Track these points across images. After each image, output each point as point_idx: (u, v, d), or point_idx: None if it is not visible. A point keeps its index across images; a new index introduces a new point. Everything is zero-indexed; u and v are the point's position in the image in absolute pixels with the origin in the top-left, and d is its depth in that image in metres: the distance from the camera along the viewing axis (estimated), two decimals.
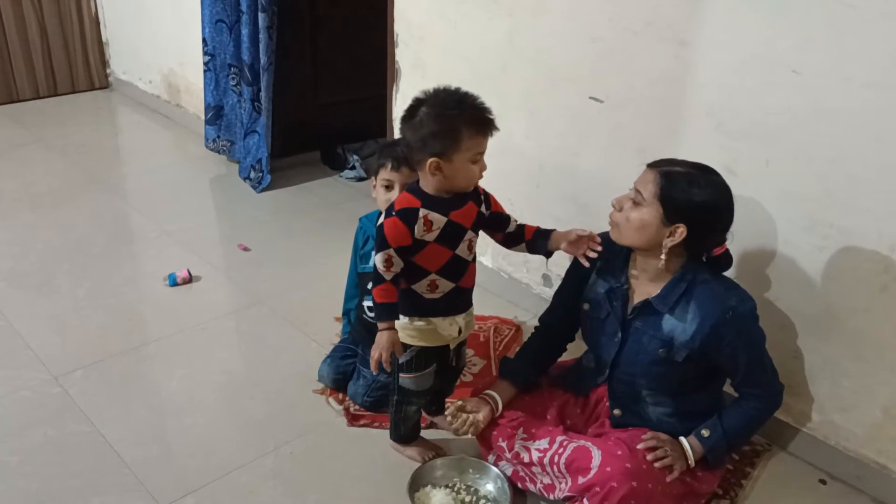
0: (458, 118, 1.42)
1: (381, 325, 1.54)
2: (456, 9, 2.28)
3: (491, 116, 1.45)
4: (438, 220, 1.49)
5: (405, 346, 1.60)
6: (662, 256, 1.49)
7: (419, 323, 1.59)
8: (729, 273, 1.82)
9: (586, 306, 1.66)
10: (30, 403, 1.91)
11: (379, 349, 1.53)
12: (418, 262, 1.53)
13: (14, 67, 3.98)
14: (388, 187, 1.74)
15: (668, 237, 1.47)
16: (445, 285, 1.56)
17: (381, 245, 1.49)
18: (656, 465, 1.50)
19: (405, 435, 1.77)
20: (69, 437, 1.80)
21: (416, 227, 1.48)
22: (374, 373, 1.67)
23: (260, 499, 1.66)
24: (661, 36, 1.82)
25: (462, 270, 1.57)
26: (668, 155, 1.85)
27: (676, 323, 1.51)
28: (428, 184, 1.49)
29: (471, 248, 1.58)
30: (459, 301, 1.62)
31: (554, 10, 2.03)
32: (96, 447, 1.78)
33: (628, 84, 1.93)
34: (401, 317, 1.57)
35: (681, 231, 1.46)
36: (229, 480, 1.70)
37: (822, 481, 1.78)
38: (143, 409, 1.92)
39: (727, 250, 1.56)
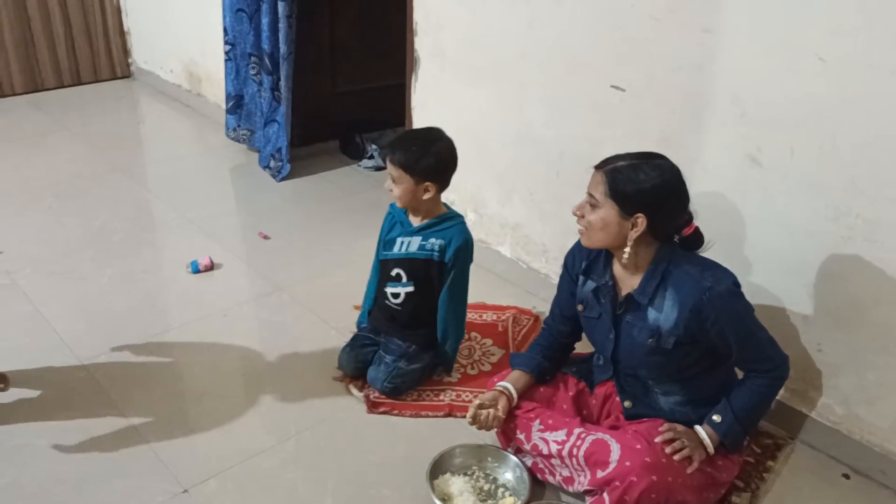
0: None
1: None
2: None
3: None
4: None
5: None
6: (627, 249, 1.50)
7: None
8: (750, 264, 1.80)
9: (580, 307, 1.68)
10: (56, 387, 1.95)
11: None
12: None
13: (38, 56, 4.03)
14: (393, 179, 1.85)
15: (632, 229, 1.49)
16: None
17: None
18: (675, 457, 1.49)
19: None
20: (95, 421, 1.84)
21: None
22: None
23: (280, 483, 1.69)
24: (684, 22, 1.79)
25: None
26: (691, 144, 1.83)
27: (658, 313, 1.52)
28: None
29: None
30: None
31: None
32: (121, 430, 1.81)
33: (650, 72, 1.90)
34: None
35: (641, 221, 1.47)
36: (251, 465, 1.73)
37: (846, 476, 1.76)
38: (166, 393, 1.95)
39: (696, 228, 1.55)
